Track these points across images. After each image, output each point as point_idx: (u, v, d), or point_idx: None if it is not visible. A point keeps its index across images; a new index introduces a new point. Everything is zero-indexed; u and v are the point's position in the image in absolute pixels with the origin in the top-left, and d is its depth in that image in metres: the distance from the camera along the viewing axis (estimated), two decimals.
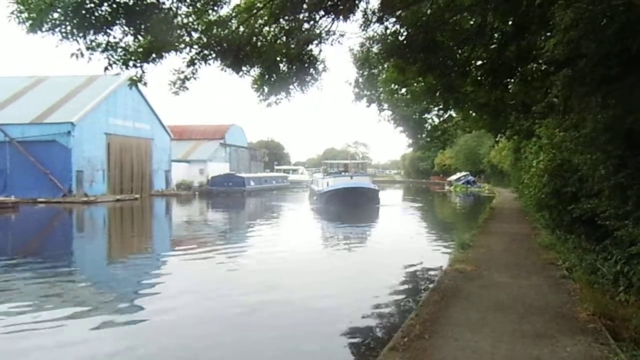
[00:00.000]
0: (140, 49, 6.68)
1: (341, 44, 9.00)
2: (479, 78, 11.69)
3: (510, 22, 10.46)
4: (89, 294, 9.66)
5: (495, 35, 11.10)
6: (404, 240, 17.09)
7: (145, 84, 7.45)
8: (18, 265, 12.57)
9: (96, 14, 5.49)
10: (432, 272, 11.17)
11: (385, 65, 13.10)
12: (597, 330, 5.37)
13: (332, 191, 30.01)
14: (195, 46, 7.56)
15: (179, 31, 7.13)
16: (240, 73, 8.46)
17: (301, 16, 8.28)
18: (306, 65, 8.83)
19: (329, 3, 8.04)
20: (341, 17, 8.24)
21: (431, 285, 8.33)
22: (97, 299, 9.19)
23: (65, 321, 7.61)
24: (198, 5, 7.02)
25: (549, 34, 9.65)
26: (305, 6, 8.08)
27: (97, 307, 8.48)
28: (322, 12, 8.22)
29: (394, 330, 5.97)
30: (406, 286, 10.30)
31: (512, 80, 12.42)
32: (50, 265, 12.66)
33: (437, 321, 5.79)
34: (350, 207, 26.66)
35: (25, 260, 13.20)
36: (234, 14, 7.88)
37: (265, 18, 8.16)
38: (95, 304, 8.78)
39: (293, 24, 8.34)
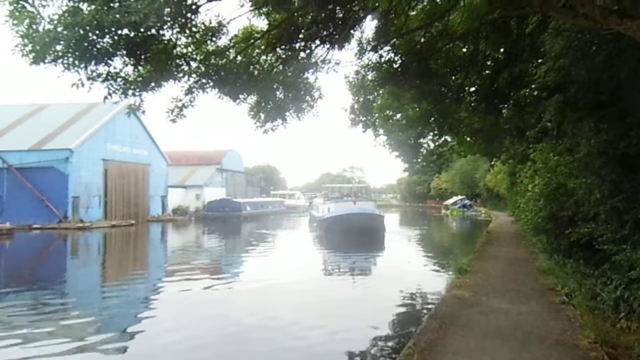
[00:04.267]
0: (140, 79, 6.78)
1: (337, 72, 9.17)
2: (473, 104, 11.87)
3: (502, 50, 10.71)
4: (77, 324, 9.46)
5: (488, 62, 11.34)
6: (402, 266, 16.99)
7: (143, 112, 7.52)
8: (9, 293, 12.40)
9: (98, 45, 5.61)
10: (430, 298, 11.07)
11: (380, 92, 13.34)
12: (600, 358, 5.29)
13: (334, 217, 28.23)
14: (194, 75, 7.68)
15: (177, 61, 7.26)
16: (238, 101, 8.57)
17: (297, 45, 8.46)
18: (302, 92, 8.96)
19: (325, 33, 8.23)
20: (336, 46, 8.42)
21: (429, 312, 8.25)
22: (86, 330, 9.01)
23: (52, 351, 7.47)
24: (197, 36, 7.16)
25: (540, 61, 9.90)
26: (301, 36, 8.28)
27: (85, 339, 8.32)
28: (317, 42, 8.41)
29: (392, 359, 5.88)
30: (404, 313, 10.19)
31: (506, 106, 12.62)
32: (41, 293, 12.50)
33: (435, 349, 5.71)
34: (354, 235, 24.90)
35: (15, 289, 13.02)
36: (231, 44, 8.05)
37: (262, 47, 8.33)
38: (83, 335, 8.61)
39: (289, 53, 8.51)
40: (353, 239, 24.26)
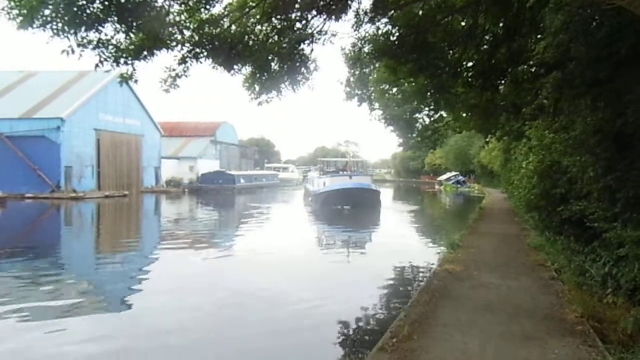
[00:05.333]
0: (132, 47, 6.61)
1: (333, 44, 9.01)
2: (469, 79, 11.75)
3: (501, 25, 10.53)
4: (71, 293, 9.53)
5: (486, 37, 11.17)
6: (395, 241, 17.14)
7: (136, 81, 7.38)
8: (1, 262, 12.42)
9: (88, 11, 5.43)
10: (421, 273, 11.23)
11: (377, 65, 13.13)
12: (586, 332, 5.42)
13: (329, 192, 28.14)
14: (187, 44, 7.50)
15: (170, 29, 7.07)
16: (232, 71, 8.40)
17: (293, 15, 8.26)
18: (297, 64, 8.80)
19: (321, 3, 8.03)
20: (333, 17, 8.23)
21: (421, 286, 8.36)
22: (80, 295, 9.12)
23: (46, 317, 7.53)
24: (190, 3, 6.97)
25: (539, 36, 9.75)
26: (297, 6, 8.06)
27: (79, 303, 8.43)
28: (314, 12, 8.21)
29: (383, 331, 5.98)
30: (396, 287, 10.33)
31: (503, 82, 12.50)
32: (35, 262, 12.56)
33: (426, 322, 5.81)
34: (350, 210, 24.77)
35: (10, 258, 13.03)
36: (226, 13, 7.84)
37: (258, 17, 8.12)
38: (77, 299, 8.74)
39: (285, 23, 8.31)
40: (348, 213, 24.30)
